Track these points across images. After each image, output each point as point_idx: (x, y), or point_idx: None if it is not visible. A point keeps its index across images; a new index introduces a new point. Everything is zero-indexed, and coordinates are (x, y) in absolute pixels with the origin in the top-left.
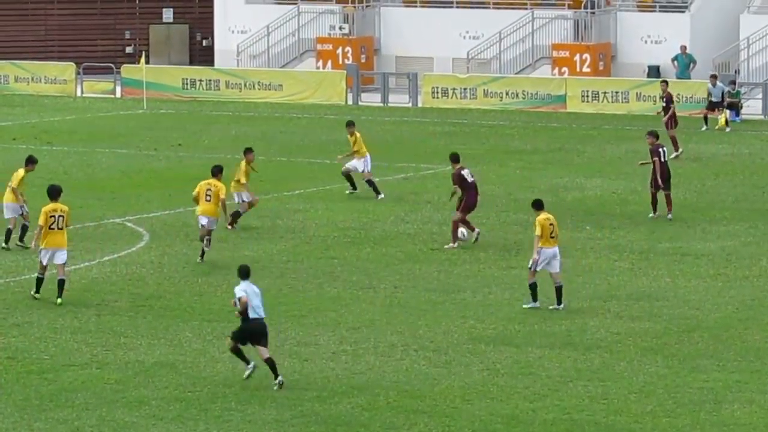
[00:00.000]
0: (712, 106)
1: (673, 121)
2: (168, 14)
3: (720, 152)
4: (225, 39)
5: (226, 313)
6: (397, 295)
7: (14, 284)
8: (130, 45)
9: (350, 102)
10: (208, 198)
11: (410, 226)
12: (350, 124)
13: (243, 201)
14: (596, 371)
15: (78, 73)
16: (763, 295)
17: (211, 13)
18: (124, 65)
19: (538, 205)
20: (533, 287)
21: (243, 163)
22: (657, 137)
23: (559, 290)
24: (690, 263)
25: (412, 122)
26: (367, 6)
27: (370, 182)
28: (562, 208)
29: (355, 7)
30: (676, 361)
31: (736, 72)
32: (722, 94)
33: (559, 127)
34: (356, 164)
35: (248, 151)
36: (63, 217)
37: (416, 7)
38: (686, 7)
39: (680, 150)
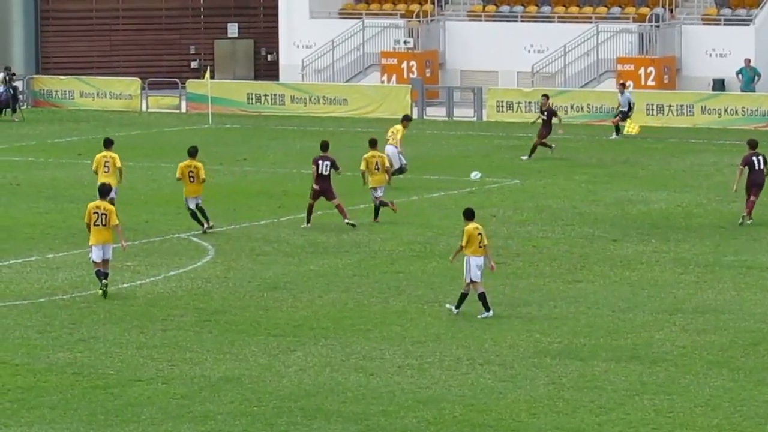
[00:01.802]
0: (623, 116)
1: (543, 130)
2: (233, 29)
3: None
4: (290, 53)
5: (292, 327)
6: (463, 309)
7: (80, 299)
8: (195, 60)
9: (415, 116)
10: (192, 179)
11: None
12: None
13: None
14: (662, 385)
15: (143, 89)
16: None
17: (276, 27)
18: (189, 80)
19: (468, 215)
20: (482, 297)
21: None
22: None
23: (482, 297)
24: (756, 276)
25: (476, 136)
26: (431, 20)
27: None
28: (626, 221)
29: (419, 21)
30: (742, 374)
31: None
32: (629, 103)
33: (623, 141)
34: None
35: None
36: (106, 215)
37: (480, 20)
38: (751, 20)
39: (529, 156)
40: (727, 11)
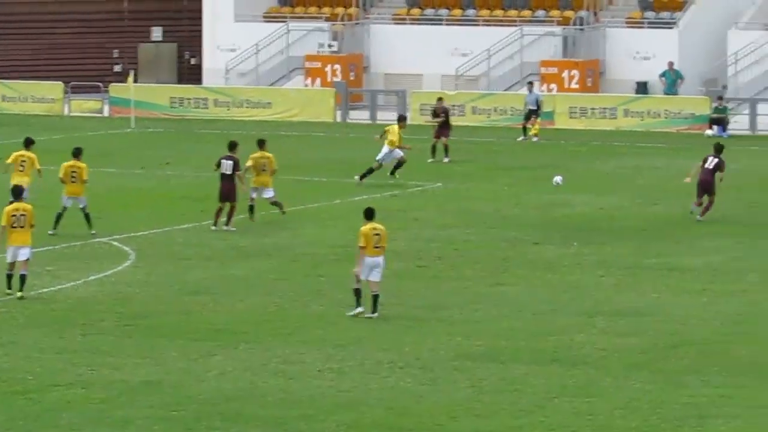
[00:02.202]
0: (530, 115)
1: (447, 130)
2: (157, 33)
3: None
4: (213, 57)
5: (212, 331)
6: (384, 312)
7: None
8: (118, 64)
9: (339, 119)
10: (74, 180)
11: (397, 244)
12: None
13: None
14: (582, 387)
15: (66, 92)
16: (749, 310)
17: (200, 31)
18: (112, 84)
19: (367, 215)
20: (357, 292)
21: None
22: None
23: (375, 299)
24: (676, 278)
25: None
26: (356, 23)
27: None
28: (549, 224)
29: (344, 24)
30: (661, 376)
31: (723, 87)
32: (537, 101)
33: (547, 144)
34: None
35: None
36: (25, 215)
37: (405, 24)
38: (674, 23)
39: (448, 159)
40: (651, 14)
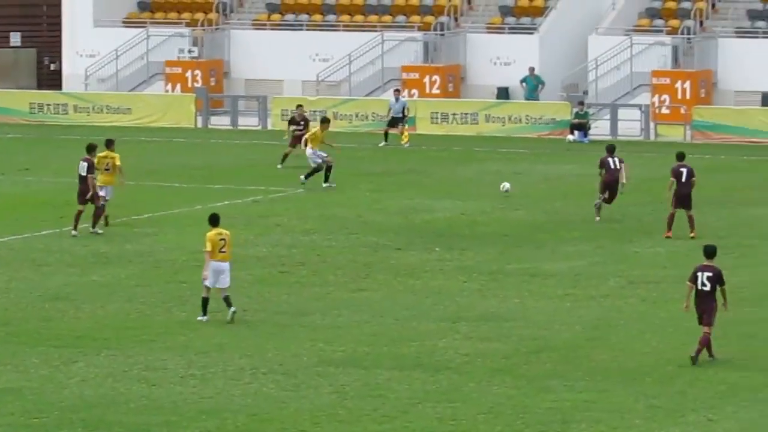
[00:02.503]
0: (394, 122)
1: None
2: (15, 38)
3: (568, 172)
4: (73, 63)
5: (74, 338)
6: (246, 318)
7: None
8: None
9: (200, 125)
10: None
11: (260, 249)
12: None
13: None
14: (445, 392)
15: None
16: (611, 315)
17: (59, 37)
18: None
19: (212, 220)
20: (205, 301)
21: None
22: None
23: (227, 299)
24: (538, 284)
25: (261, 145)
26: (216, 29)
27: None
28: (411, 229)
29: (204, 29)
30: (524, 381)
31: (584, 93)
32: (403, 108)
33: (409, 149)
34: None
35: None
36: None
37: (266, 29)
38: (535, 29)
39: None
40: (511, 20)
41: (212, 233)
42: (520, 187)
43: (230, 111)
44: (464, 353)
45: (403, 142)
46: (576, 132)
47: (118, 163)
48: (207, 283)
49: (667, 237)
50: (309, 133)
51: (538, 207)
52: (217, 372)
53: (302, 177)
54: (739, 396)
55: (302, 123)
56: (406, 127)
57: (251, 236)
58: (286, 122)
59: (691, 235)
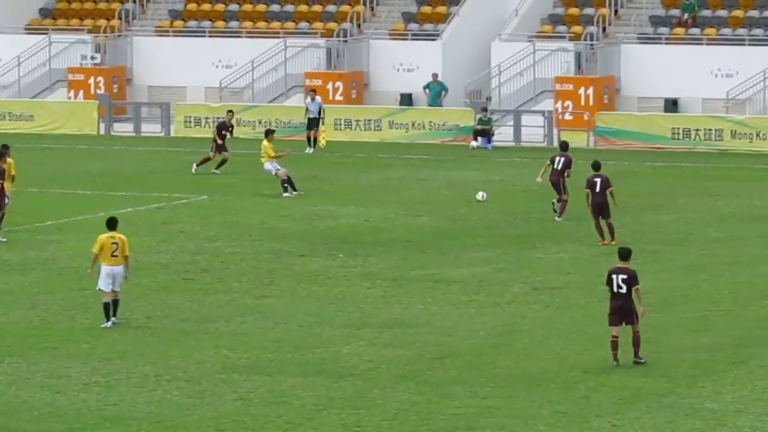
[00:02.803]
0: (311, 124)
1: (220, 147)
2: None
3: (472, 179)
4: None
5: None
6: (150, 325)
7: None
8: None
9: (102, 132)
10: None
11: (163, 256)
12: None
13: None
14: (349, 399)
15: None
16: (515, 321)
17: None
18: None
19: (108, 224)
20: (106, 306)
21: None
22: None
23: (115, 304)
24: (442, 290)
25: (164, 152)
26: (118, 36)
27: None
28: (315, 236)
29: (106, 36)
30: (428, 387)
31: (488, 99)
32: (320, 109)
33: (312, 155)
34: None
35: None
36: None
37: (168, 36)
38: (438, 35)
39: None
40: (414, 26)
41: (104, 236)
42: (423, 193)
43: (133, 118)
44: (368, 360)
45: (319, 144)
46: (479, 138)
47: (12, 171)
48: (101, 286)
49: (605, 244)
50: (262, 150)
51: (442, 213)
52: (120, 379)
53: (285, 194)
54: (643, 402)
55: (231, 129)
56: (323, 128)
57: (154, 243)
58: (215, 127)
59: (612, 242)
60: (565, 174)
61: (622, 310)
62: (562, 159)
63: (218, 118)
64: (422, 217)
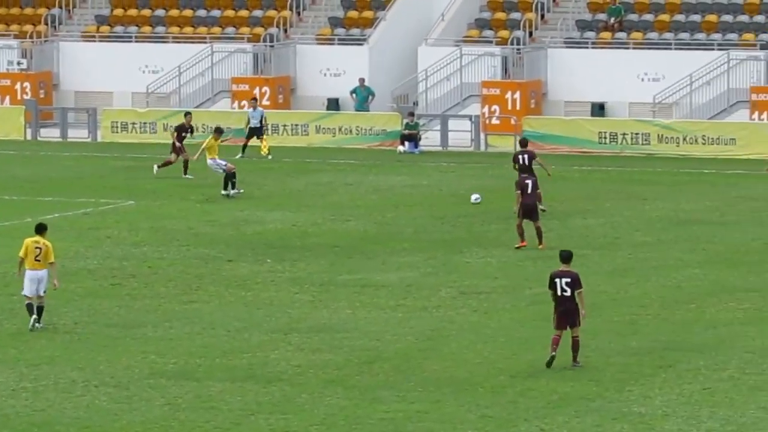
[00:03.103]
0: (252, 133)
1: (179, 149)
2: None
3: (399, 183)
4: None
5: None
6: (78, 331)
7: None
8: None
9: (29, 137)
10: None
11: (90, 262)
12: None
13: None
14: (278, 404)
15: None
16: (443, 326)
17: None
18: None
19: (37, 229)
20: (29, 307)
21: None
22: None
23: (40, 310)
24: (370, 294)
25: (91, 157)
26: (45, 41)
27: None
28: (242, 241)
29: (32, 42)
30: (357, 392)
31: (414, 104)
32: (262, 118)
33: (240, 160)
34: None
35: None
36: None
37: (95, 41)
38: (365, 40)
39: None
40: (341, 31)
41: (30, 240)
42: (350, 198)
43: (60, 123)
44: (296, 364)
45: (263, 153)
46: (406, 143)
47: None
48: (25, 292)
49: (521, 246)
50: (205, 144)
51: (369, 218)
52: (48, 385)
53: (223, 192)
54: (571, 406)
55: (191, 130)
56: (265, 137)
57: (82, 248)
58: (172, 131)
59: (540, 246)
60: (533, 166)
61: (568, 314)
62: (526, 155)
63: (146, 123)
64: (350, 222)
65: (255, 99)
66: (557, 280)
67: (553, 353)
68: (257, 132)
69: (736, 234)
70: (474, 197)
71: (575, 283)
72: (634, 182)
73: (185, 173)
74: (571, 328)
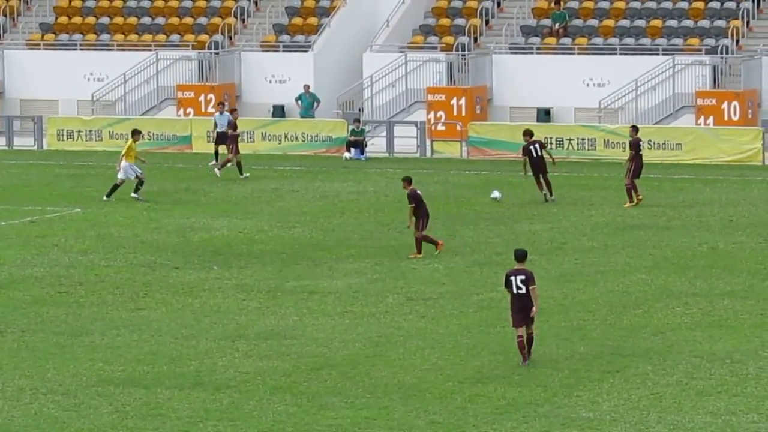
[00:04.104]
0: (221, 139)
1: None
2: None
3: (345, 190)
4: None
5: None
6: (25, 338)
7: None
8: None
9: None
10: None
11: (37, 270)
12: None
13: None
14: (226, 411)
15: None
16: (390, 332)
17: None
18: None
19: None
20: None
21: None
22: (637, 131)
23: None
24: (317, 301)
25: (37, 165)
26: None
27: None
28: (189, 248)
29: None
30: (305, 399)
31: (360, 110)
32: (229, 123)
33: (185, 168)
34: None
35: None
36: None
37: (40, 49)
38: (310, 47)
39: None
40: (285, 38)
41: None
42: (296, 204)
43: (5, 131)
44: (244, 371)
45: (229, 159)
46: (352, 149)
47: None
48: None
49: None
50: (125, 147)
51: (316, 224)
52: None
53: (134, 194)
54: (519, 411)
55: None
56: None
57: (28, 256)
58: (229, 129)
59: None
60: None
61: (524, 310)
62: (537, 145)
63: (92, 131)
64: (296, 229)
65: (222, 104)
66: (512, 278)
67: (525, 362)
68: (224, 137)
69: (683, 239)
70: (495, 194)
71: (529, 280)
72: (580, 187)
73: (241, 173)
74: (527, 325)
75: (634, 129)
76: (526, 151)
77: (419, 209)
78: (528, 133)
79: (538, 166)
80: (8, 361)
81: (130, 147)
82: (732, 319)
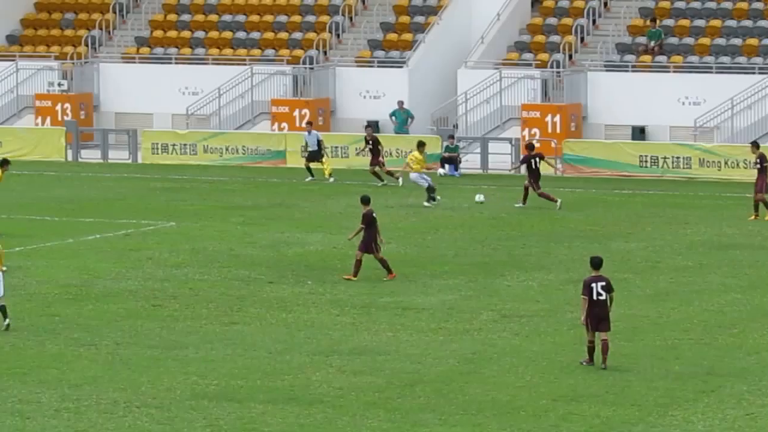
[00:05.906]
0: (312, 157)
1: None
2: None
3: (439, 206)
4: None
5: None
6: (119, 351)
7: None
8: None
9: (70, 158)
10: None
11: (131, 283)
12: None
13: None
14: (319, 426)
15: None
16: (484, 349)
17: None
18: None
19: None
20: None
21: None
22: (758, 147)
23: (2, 309)
24: (411, 317)
25: (132, 178)
26: (85, 62)
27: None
28: (283, 263)
29: (73, 63)
30: (398, 415)
31: (454, 126)
32: (318, 142)
33: (279, 183)
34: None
35: None
36: None
37: (135, 63)
38: (404, 63)
39: None
40: (380, 53)
41: None
42: (391, 220)
43: (100, 145)
44: (338, 387)
45: (326, 176)
46: (447, 165)
47: None
48: None
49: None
50: (410, 160)
51: (410, 240)
52: (90, 405)
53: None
54: (613, 430)
55: (371, 142)
56: (325, 159)
57: (123, 269)
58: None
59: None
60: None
61: (602, 317)
62: (537, 158)
63: (186, 145)
64: (390, 244)
65: (310, 123)
66: (593, 284)
67: (590, 363)
68: (316, 156)
69: None
70: (478, 198)
71: (609, 287)
72: (675, 206)
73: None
74: (602, 332)
75: (755, 145)
76: (525, 160)
77: (369, 231)
78: (529, 147)
79: (533, 176)
80: (102, 373)
81: (415, 159)
82: None
